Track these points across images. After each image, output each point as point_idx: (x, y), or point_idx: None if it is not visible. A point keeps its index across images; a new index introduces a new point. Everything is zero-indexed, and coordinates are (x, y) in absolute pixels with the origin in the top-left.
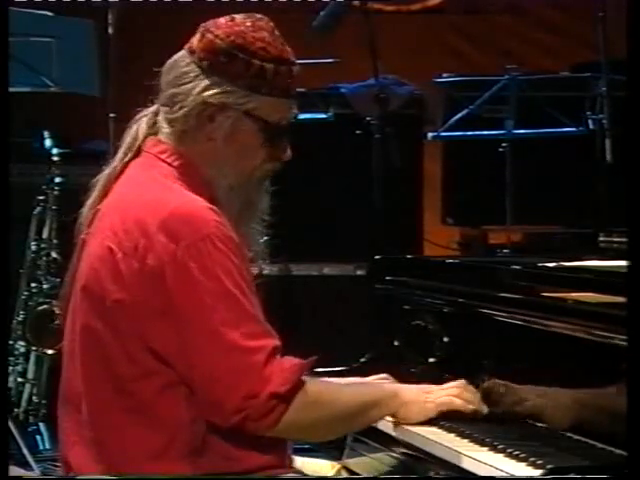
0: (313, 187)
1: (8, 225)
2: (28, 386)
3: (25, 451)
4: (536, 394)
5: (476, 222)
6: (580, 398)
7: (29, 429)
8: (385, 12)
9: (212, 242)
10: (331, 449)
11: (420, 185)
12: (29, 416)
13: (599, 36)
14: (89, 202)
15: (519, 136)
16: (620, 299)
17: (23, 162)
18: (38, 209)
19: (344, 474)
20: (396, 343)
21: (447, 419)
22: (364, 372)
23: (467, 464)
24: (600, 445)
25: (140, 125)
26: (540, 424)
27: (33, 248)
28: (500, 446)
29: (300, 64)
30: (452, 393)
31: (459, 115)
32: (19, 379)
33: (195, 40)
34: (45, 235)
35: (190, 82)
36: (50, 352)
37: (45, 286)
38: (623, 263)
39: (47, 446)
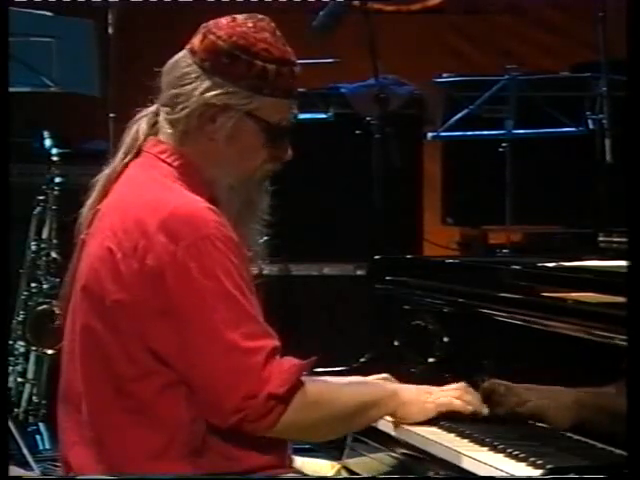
0: (313, 187)
1: (8, 225)
2: (28, 386)
3: (25, 451)
4: (536, 394)
5: (476, 222)
6: (580, 398)
7: (29, 429)
8: (385, 12)
9: (212, 242)
10: (331, 449)
11: (420, 185)
12: (29, 416)
13: (599, 36)
14: (89, 202)
15: (519, 136)
16: (620, 299)
17: (23, 162)
18: (38, 209)
19: (344, 474)
20: (396, 343)
21: (447, 419)
22: (364, 372)
23: (467, 464)
24: (600, 445)
25: (140, 125)
26: (540, 424)
27: (33, 248)
28: (500, 446)
29: (300, 64)
30: (452, 395)
31: (459, 115)
32: (19, 379)
33: (196, 41)
34: (45, 235)
35: (191, 83)
36: (50, 352)
37: (45, 286)
38: (623, 263)
39: (47, 446)
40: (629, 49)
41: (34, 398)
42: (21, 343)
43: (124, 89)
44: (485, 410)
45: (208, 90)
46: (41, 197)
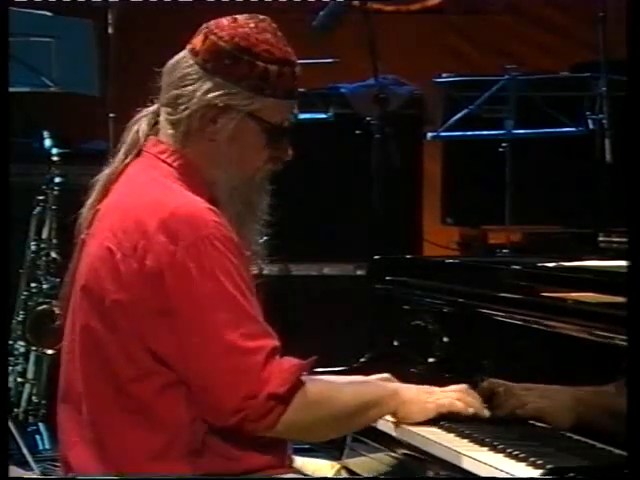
0: (313, 187)
1: (8, 225)
2: (28, 386)
3: (25, 451)
4: (535, 394)
5: (476, 222)
6: (580, 398)
7: (29, 429)
8: (385, 12)
9: (211, 243)
10: (331, 449)
11: (420, 185)
12: (29, 416)
13: (599, 36)
14: (89, 202)
15: (519, 136)
16: (620, 299)
17: (23, 162)
18: (38, 209)
19: (344, 474)
20: (396, 343)
21: (447, 419)
22: (364, 372)
23: (467, 464)
24: (600, 445)
25: (141, 126)
26: (540, 424)
27: (33, 248)
28: (500, 446)
29: (300, 64)
30: (453, 396)
31: (459, 115)
32: (19, 379)
33: (198, 42)
34: (45, 235)
35: (193, 84)
36: (50, 352)
37: (45, 286)
38: (623, 263)
39: (47, 446)
40: (629, 49)
41: (34, 398)
42: (21, 343)
43: (124, 89)
44: (486, 413)
45: (210, 91)
46: (41, 197)
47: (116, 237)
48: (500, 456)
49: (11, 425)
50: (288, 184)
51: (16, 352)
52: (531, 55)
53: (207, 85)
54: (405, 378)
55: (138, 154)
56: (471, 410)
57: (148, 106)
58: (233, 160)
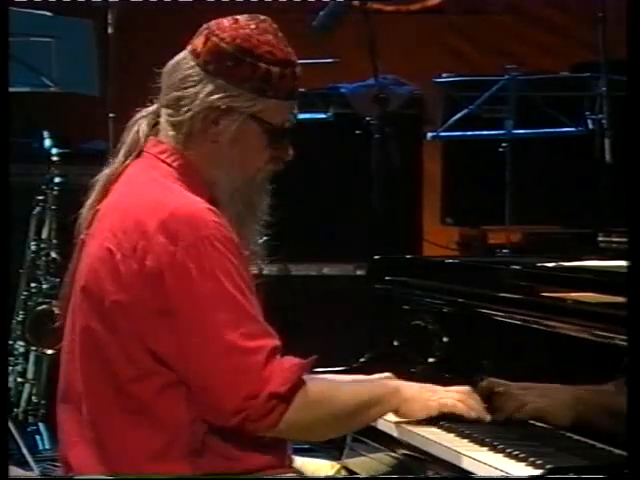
0: (313, 187)
1: (8, 225)
2: (27, 386)
3: (24, 451)
4: (535, 393)
5: (475, 222)
6: (580, 398)
7: (28, 429)
8: (385, 12)
9: (211, 243)
10: (331, 449)
11: (420, 185)
12: (28, 416)
13: (599, 36)
14: (88, 202)
15: (518, 136)
16: (620, 299)
17: (23, 162)
18: (37, 209)
19: (344, 474)
20: (396, 343)
21: (447, 419)
22: (364, 372)
23: (467, 464)
24: (600, 445)
25: (141, 126)
26: (540, 424)
27: (32, 248)
28: (500, 446)
29: (300, 64)
30: (455, 397)
31: (459, 115)
32: (18, 379)
33: (199, 43)
34: (44, 235)
35: (195, 85)
36: (49, 352)
37: (44, 286)
38: (623, 263)
39: (46, 446)
40: (629, 49)
41: (34, 398)
42: (21, 343)
43: (124, 89)
44: (487, 417)
45: (212, 93)
46: (41, 197)
47: (116, 237)
48: (500, 456)
49: (11, 425)
50: (288, 184)
51: (16, 352)
52: (531, 55)
53: (209, 87)
54: (405, 378)
55: (138, 155)
56: (473, 414)
57: (148, 106)
58: (235, 161)
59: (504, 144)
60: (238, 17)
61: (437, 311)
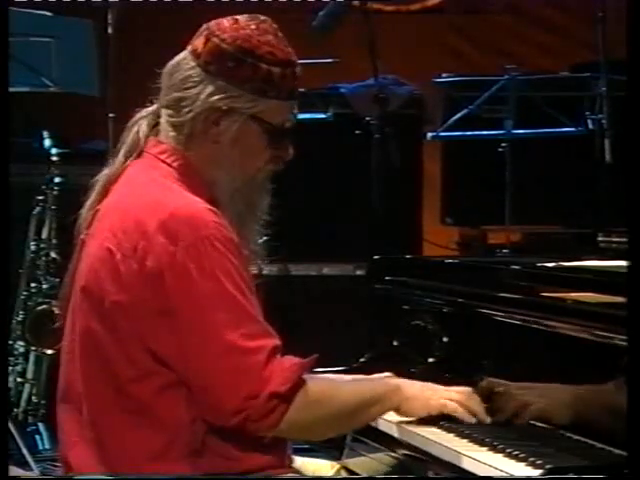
0: (313, 187)
1: (8, 225)
2: (27, 386)
3: (24, 451)
4: (535, 393)
5: (475, 222)
6: (579, 395)
7: (28, 429)
8: (385, 12)
9: (211, 243)
10: (330, 449)
11: (419, 185)
12: (28, 416)
13: (599, 36)
14: (88, 203)
15: (518, 136)
16: (620, 299)
17: (23, 162)
18: (37, 209)
19: (343, 474)
20: (395, 343)
21: (447, 419)
22: (364, 372)
23: (467, 464)
24: (599, 445)
25: (141, 127)
26: (540, 424)
27: (32, 248)
28: (500, 446)
29: (300, 64)
30: (456, 398)
31: (458, 115)
32: (18, 379)
33: (199, 43)
34: (44, 235)
35: (195, 86)
36: (49, 352)
37: (44, 286)
38: (623, 263)
39: (46, 446)
40: (629, 49)
41: (33, 398)
42: (20, 343)
43: (124, 89)
44: (487, 419)
45: (213, 94)
46: (40, 197)
47: (116, 238)
48: (500, 456)
49: (11, 425)
50: (288, 184)
51: (16, 352)
52: (531, 55)
53: (210, 88)
54: (405, 378)
55: (139, 155)
56: (472, 420)
57: (147, 106)
58: (235, 161)
59: (504, 144)
60: (238, 17)
61: (437, 311)
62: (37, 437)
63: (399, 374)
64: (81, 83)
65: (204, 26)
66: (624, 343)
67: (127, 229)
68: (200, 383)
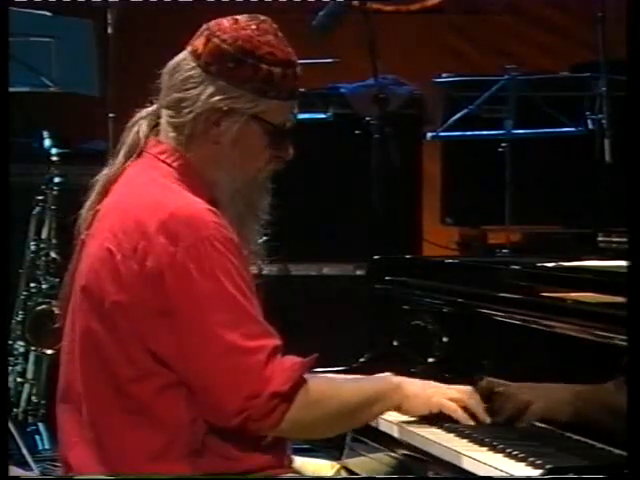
0: (312, 187)
1: (8, 225)
2: (27, 386)
3: (24, 451)
4: (534, 394)
5: (475, 222)
6: (578, 393)
7: (28, 429)
8: (384, 12)
9: (211, 244)
10: (330, 449)
11: (419, 185)
12: (28, 416)
13: (599, 36)
14: (88, 203)
15: (518, 136)
16: (620, 299)
17: (23, 162)
18: (37, 209)
19: (343, 474)
20: (395, 343)
21: (447, 419)
22: (364, 372)
23: (466, 464)
24: (599, 445)
25: (141, 127)
26: (540, 424)
27: (32, 248)
28: (499, 446)
29: (300, 64)
30: (456, 397)
31: (458, 115)
32: (18, 379)
33: (199, 44)
34: (44, 235)
35: (196, 87)
36: (49, 352)
37: (44, 286)
38: (622, 263)
39: (46, 446)
40: (629, 49)
41: (33, 398)
42: (20, 343)
43: (123, 89)
44: (487, 420)
45: (213, 94)
46: (40, 197)
47: (116, 238)
48: (500, 456)
49: (11, 425)
50: (288, 184)
51: (15, 352)
52: (531, 55)
53: (211, 89)
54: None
55: (139, 155)
56: (471, 422)
57: (147, 107)
58: (236, 162)
59: (504, 144)
60: (238, 17)
61: (437, 311)
62: (37, 437)
63: (399, 374)
64: (81, 83)
65: (204, 26)
66: (624, 343)
67: (127, 229)
68: (200, 383)
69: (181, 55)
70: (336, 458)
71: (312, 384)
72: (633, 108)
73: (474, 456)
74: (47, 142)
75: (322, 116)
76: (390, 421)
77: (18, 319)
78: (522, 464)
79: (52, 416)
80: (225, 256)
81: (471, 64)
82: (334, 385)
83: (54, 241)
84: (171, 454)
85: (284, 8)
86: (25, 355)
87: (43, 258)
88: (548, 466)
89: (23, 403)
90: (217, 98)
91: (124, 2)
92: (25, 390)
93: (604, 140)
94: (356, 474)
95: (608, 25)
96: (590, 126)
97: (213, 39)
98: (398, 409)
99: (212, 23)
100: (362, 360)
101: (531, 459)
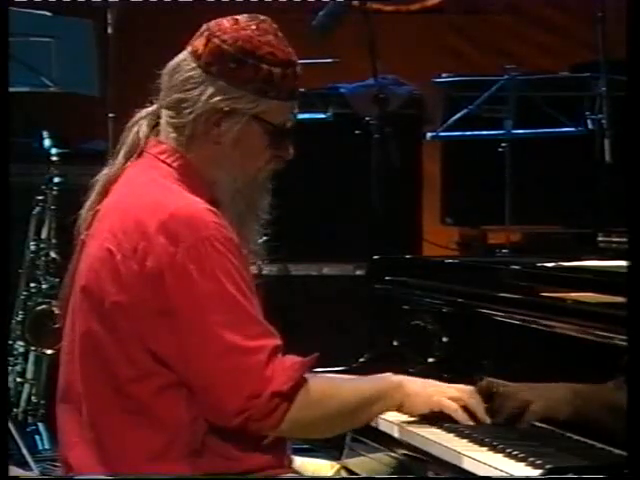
0: (312, 187)
1: (8, 225)
2: (27, 386)
3: (24, 451)
4: (534, 394)
5: (475, 222)
6: (577, 392)
7: (28, 429)
8: (384, 12)
9: (212, 244)
10: (330, 449)
11: (419, 185)
12: (28, 416)
13: (599, 36)
14: (88, 203)
15: (518, 136)
16: (619, 299)
17: (23, 162)
18: (37, 209)
19: (343, 474)
20: (395, 343)
21: (447, 419)
22: (364, 372)
23: (466, 464)
24: (599, 445)
25: (141, 127)
26: (540, 424)
27: (32, 248)
28: (499, 446)
29: (300, 64)
30: (457, 396)
31: (458, 115)
32: (18, 379)
33: (200, 44)
34: (44, 235)
35: (196, 88)
36: (49, 352)
37: (44, 286)
38: (622, 263)
39: (46, 446)
40: (629, 49)
41: (33, 398)
42: (20, 343)
43: (123, 89)
44: (487, 420)
45: (214, 95)
46: (40, 197)
47: (116, 238)
48: (500, 456)
49: (10, 425)
50: (288, 184)
51: (15, 352)
52: (531, 55)
53: (211, 89)
54: None
55: (139, 155)
56: (471, 423)
57: (147, 107)
58: (236, 162)
59: (504, 144)
60: (238, 17)
61: (437, 311)
62: (37, 437)
63: (399, 374)
64: (81, 83)
65: (204, 26)
66: (624, 343)
67: (127, 230)
68: (201, 383)
69: (181, 55)
70: (336, 458)
71: (313, 384)
72: (633, 108)
73: (474, 456)
74: (47, 142)
75: (322, 116)
76: (390, 421)
77: (18, 319)
78: (522, 464)
79: (52, 416)
80: (225, 256)
81: (471, 64)
82: (334, 384)
83: (54, 241)
84: (171, 454)
85: (284, 8)
86: (25, 355)
87: (43, 258)
88: (548, 466)
89: (23, 403)
90: (218, 99)
91: (124, 2)
92: (25, 390)
93: (604, 140)
94: (356, 474)
95: (608, 25)
96: (590, 126)
97: (213, 39)
98: (399, 408)
99: (212, 23)
100: (362, 360)
101: (531, 459)
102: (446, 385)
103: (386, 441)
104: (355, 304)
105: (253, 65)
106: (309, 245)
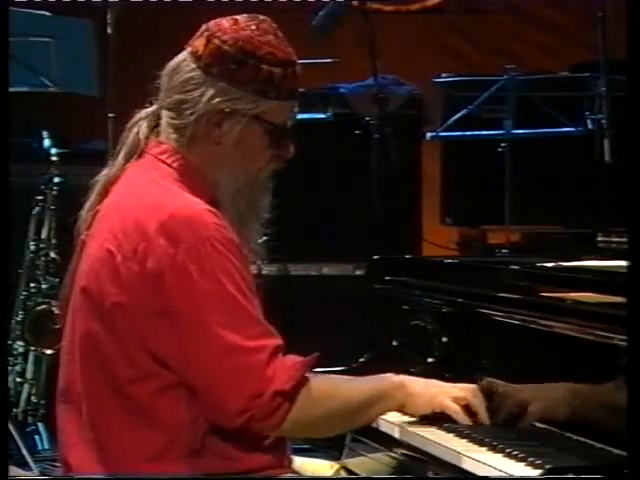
0: (312, 187)
1: (8, 225)
2: (27, 386)
3: (24, 451)
4: (533, 394)
5: (475, 222)
6: (577, 392)
7: (28, 429)
8: (384, 12)
9: (212, 244)
10: (330, 449)
11: (419, 185)
12: (28, 416)
13: (598, 36)
14: (88, 203)
15: (518, 136)
16: (619, 299)
17: (22, 162)
18: (37, 209)
19: (343, 474)
20: (395, 343)
21: (447, 419)
22: (364, 372)
23: (466, 464)
24: (599, 445)
25: (141, 128)
26: (539, 424)
27: (32, 248)
28: (499, 446)
29: (300, 64)
30: (460, 395)
31: (458, 115)
32: (18, 379)
33: (200, 45)
34: (44, 235)
35: (197, 88)
36: (49, 352)
37: (44, 286)
38: (622, 263)
39: (46, 446)
40: (629, 49)
41: (33, 398)
42: (20, 343)
43: (123, 89)
44: (487, 420)
45: (215, 96)
46: (40, 197)
47: (116, 239)
48: (499, 456)
49: (10, 425)
50: (287, 184)
51: (15, 352)
52: (531, 55)
53: (212, 90)
54: None
55: (139, 156)
56: (471, 424)
57: (147, 107)
58: (237, 162)
59: (503, 144)
60: (238, 18)
61: (436, 311)
62: (37, 437)
63: (399, 374)
64: (81, 83)
65: (203, 27)
66: (624, 343)
67: (127, 230)
68: (202, 384)
69: (181, 56)
70: (336, 458)
71: (314, 383)
72: (633, 108)
73: (474, 456)
74: (47, 142)
75: (322, 116)
76: (390, 421)
77: (18, 319)
78: (522, 464)
79: (52, 416)
80: (225, 257)
81: (471, 64)
82: (336, 384)
83: (54, 241)
84: (171, 454)
85: (284, 8)
86: (25, 355)
87: (43, 258)
88: (547, 466)
89: (23, 403)
90: (218, 100)
91: (124, 2)
92: (25, 390)
93: (604, 140)
94: (356, 474)
95: (608, 25)
96: (590, 126)
97: (213, 40)
98: (401, 408)
99: (212, 24)
100: (362, 360)
101: (531, 459)
102: (449, 385)
103: (386, 441)
104: (355, 304)
105: (253, 66)
106: (309, 245)
